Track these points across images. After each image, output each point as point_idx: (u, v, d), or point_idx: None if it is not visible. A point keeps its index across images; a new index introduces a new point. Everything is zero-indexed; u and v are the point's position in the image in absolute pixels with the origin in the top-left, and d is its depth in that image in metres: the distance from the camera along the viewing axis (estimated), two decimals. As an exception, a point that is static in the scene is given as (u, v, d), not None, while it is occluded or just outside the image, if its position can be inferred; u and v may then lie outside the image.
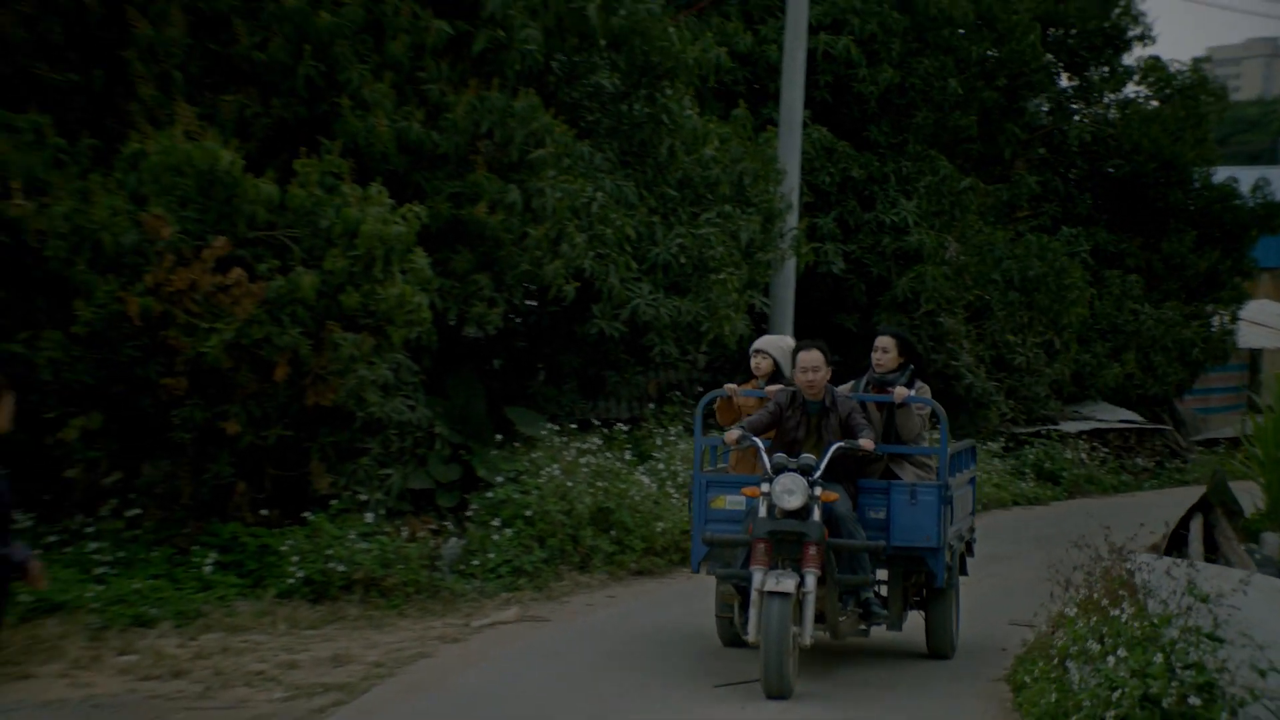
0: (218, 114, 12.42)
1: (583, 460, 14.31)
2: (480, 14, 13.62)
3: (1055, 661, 8.46)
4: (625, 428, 16.37)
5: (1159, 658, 6.98)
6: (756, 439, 9.65)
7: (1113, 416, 26.26)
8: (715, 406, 10.76)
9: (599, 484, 14.05)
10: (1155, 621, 7.42)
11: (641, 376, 17.03)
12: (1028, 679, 8.89)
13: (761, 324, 18.39)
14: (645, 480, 14.73)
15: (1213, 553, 13.35)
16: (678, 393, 18.30)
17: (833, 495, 9.38)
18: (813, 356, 9.89)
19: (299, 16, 12.63)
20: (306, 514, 12.33)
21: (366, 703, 9.00)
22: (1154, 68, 28.04)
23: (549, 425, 14.95)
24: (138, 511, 11.89)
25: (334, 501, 12.53)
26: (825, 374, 9.88)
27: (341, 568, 11.98)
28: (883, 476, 10.22)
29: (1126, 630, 7.51)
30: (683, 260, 15.77)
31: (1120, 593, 8.38)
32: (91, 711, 8.68)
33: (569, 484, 13.79)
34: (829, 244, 20.14)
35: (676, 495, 14.79)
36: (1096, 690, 7.12)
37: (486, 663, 10.24)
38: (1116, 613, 7.87)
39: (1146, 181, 27.45)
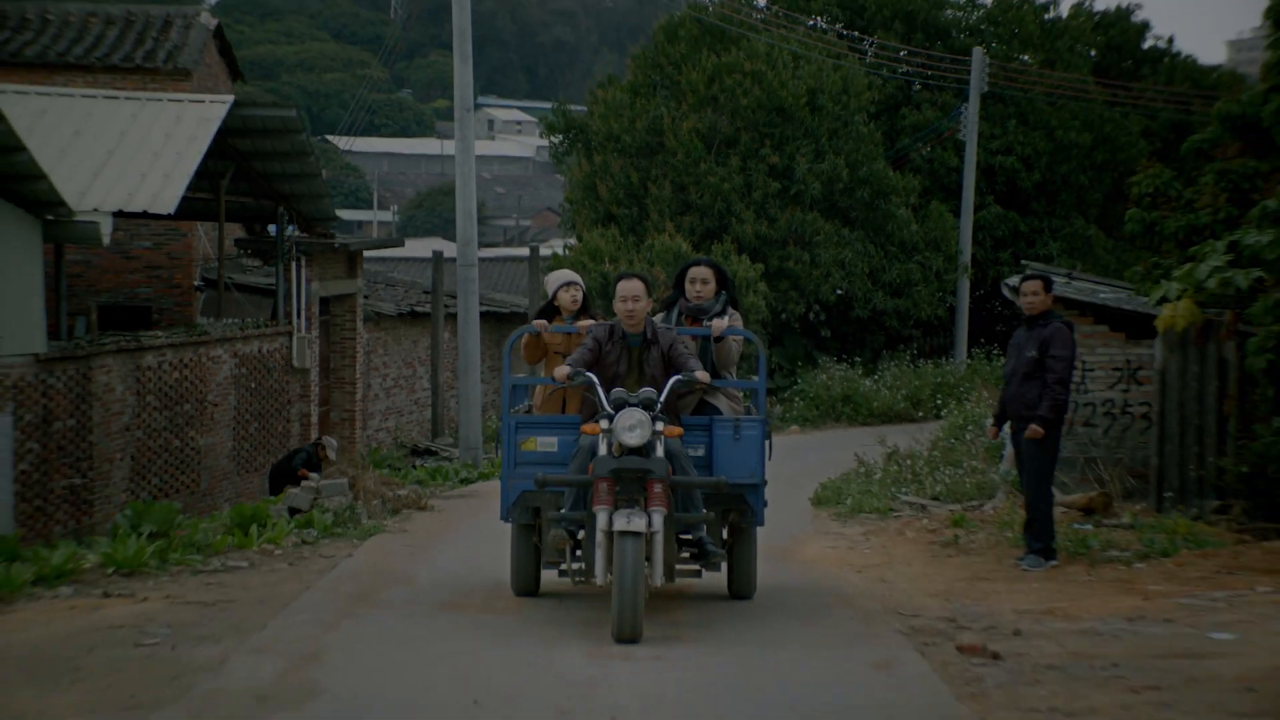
0: (680, 227, 30.62)
1: (838, 374, 31.47)
2: (793, 178, 31.27)
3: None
4: (860, 360, 33.52)
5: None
6: (591, 375, 8.97)
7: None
8: (522, 344, 10.19)
9: (845, 384, 31.15)
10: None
11: (872, 337, 34.35)
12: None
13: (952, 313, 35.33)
14: (868, 383, 31.62)
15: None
16: (900, 345, 35.18)
17: (677, 430, 8.86)
18: (633, 286, 9.19)
19: (714, 185, 30.71)
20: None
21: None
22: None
23: (828, 359, 32.45)
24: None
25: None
26: (646, 305, 9.21)
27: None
28: (696, 410, 9.58)
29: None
30: (898, 281, 32.95)
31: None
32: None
33: (829, 384, 30.96)
34: (1005, 268, 36.65)
35: (887, 391, 31.61)
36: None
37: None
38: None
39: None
